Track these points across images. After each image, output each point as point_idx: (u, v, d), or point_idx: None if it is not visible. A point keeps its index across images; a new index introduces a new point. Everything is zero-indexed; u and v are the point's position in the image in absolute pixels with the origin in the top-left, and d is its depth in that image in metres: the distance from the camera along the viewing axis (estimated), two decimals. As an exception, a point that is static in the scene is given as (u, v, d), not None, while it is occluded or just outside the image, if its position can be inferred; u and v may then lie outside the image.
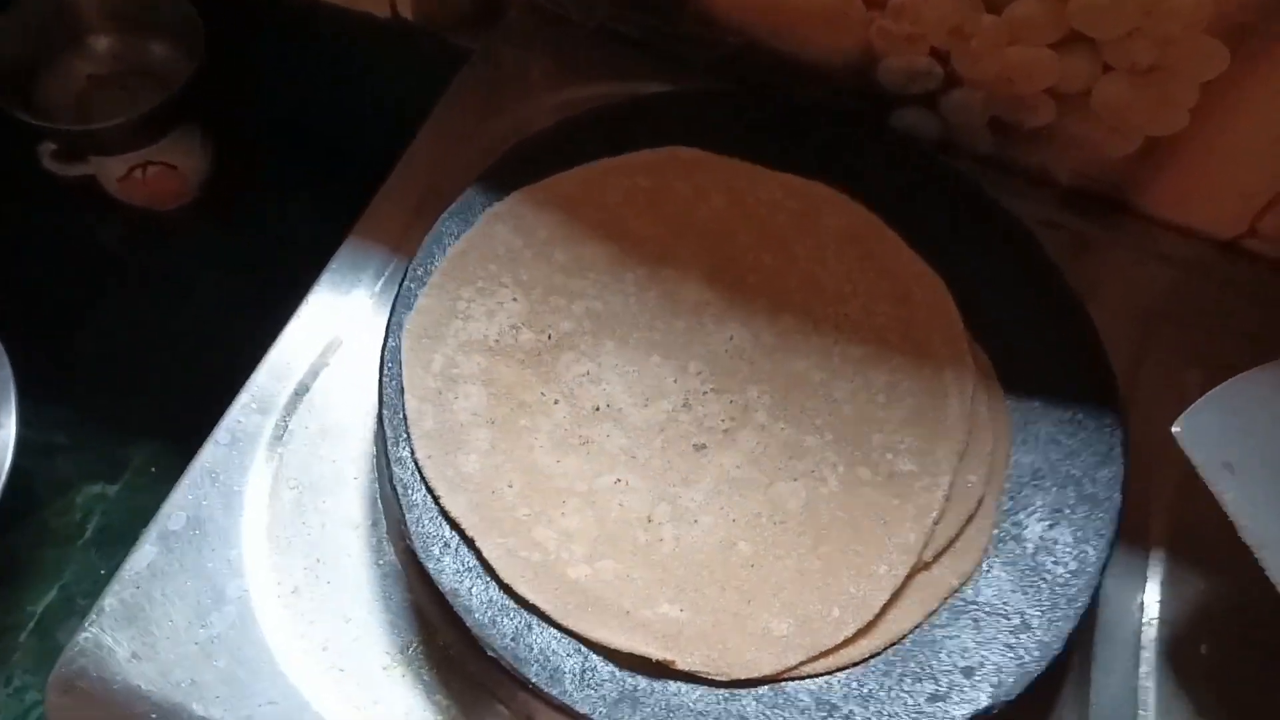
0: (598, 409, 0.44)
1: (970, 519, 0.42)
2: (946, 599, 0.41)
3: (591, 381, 0.45)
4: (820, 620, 0.40)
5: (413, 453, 0.42)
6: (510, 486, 0.42)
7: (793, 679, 0.39)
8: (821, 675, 0.39)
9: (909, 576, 0.41)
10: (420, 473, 0.41)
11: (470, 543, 0.40)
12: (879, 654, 0.40)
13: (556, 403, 0.44)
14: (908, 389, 0.45)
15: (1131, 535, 0.45)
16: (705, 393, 0.45)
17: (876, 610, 0.40)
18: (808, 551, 0.41)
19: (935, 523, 0.42)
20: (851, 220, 0.49)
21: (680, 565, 0.41)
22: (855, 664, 0.39)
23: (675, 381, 0.45)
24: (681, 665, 0.38)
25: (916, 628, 0.40)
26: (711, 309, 0.47)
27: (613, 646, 0.39)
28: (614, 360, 0.45)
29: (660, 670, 0.39)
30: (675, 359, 0.46)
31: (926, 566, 0.41)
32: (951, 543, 0.42)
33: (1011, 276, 0.48)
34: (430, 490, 0.41)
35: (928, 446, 0.43)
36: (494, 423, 0.43)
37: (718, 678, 0.38)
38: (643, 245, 0.48)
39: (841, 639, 0.39)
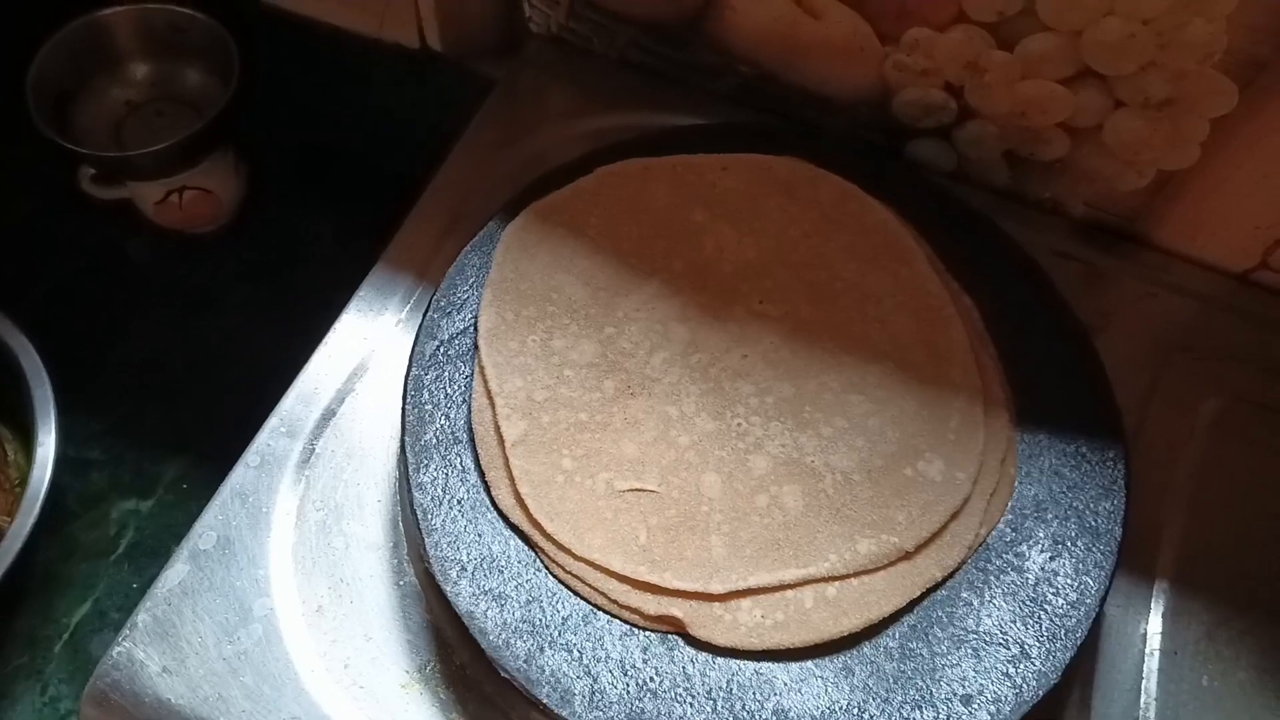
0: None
1: (955, 515, 0.42)
2: (930, 591, 0.41)
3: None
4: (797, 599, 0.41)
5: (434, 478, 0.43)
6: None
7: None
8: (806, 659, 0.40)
9: (891, 564, 0.41)
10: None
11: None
12: (863, 644, 0.41)
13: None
14: (916, 403, 0.45)
15: (1137, 566, 0.45)
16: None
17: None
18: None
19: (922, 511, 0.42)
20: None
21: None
22: (836, 642, 0.40)
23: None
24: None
25: (899, 614, 0.41)
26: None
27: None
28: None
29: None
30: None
31: (909, 556, 0.41)
32: (936, 536, 0.42)
33: (1019, 308, 0.48)
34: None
35: (930, 451, 0.43)
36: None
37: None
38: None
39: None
